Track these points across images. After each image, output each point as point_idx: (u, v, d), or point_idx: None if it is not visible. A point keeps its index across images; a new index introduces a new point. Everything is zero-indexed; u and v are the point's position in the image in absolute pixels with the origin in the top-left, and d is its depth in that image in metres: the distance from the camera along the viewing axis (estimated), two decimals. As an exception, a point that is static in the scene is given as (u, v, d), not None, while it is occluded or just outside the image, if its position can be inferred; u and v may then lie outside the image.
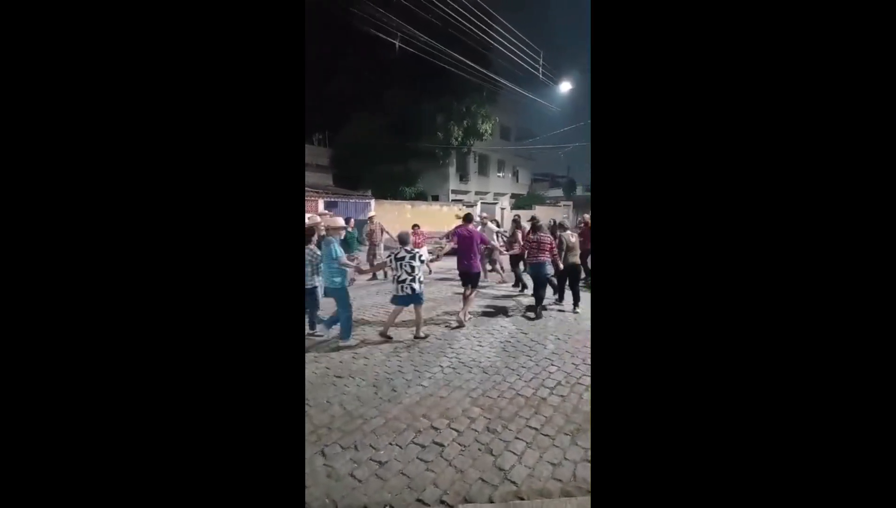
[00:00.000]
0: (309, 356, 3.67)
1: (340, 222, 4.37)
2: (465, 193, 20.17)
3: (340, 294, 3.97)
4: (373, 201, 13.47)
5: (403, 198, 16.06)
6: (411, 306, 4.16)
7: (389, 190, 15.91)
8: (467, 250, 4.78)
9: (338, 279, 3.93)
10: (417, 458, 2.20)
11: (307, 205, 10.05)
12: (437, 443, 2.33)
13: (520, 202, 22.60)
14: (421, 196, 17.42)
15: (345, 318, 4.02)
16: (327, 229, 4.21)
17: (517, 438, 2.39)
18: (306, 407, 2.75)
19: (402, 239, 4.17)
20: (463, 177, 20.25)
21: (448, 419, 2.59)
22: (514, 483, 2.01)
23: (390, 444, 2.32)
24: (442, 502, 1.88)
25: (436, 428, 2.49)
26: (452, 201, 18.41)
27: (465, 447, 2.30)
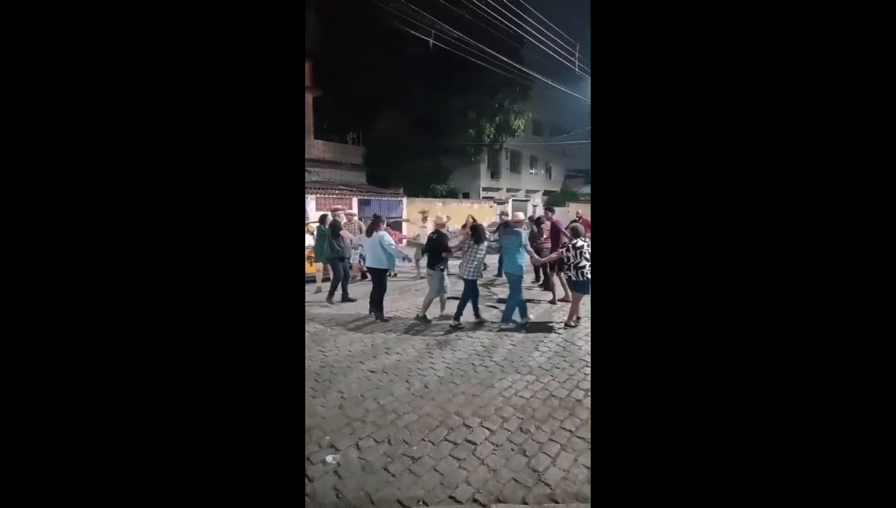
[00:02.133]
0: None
1: (522, 215, 5.06)
2: (497, 190, 19.99)
3: (522, 279, 4.56)
4: (405, 199, 13.61)
5: (434, 196, 16.12)
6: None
7: (421, 188, 16.01)
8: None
9: (521, 265, 4.53)
10: (450, 455, 2.20)
11: (342, 203, 10.28)
12: (469, 441, 2.32)
13: (553, 199, 22.17)
14: (452, 194, 17.42)
15: (521, 299, 4.54)
16: (514, 222, 4.89)
17: (551, 440, 2.34)
18: (341, 400, 2.82)
19: (577, 231, 4.56)
20: (494, 174, 20.05)
21: (480, 418, 2.58)
22: (548, 485, 1.98)
23: (423, 440, 2.33)
24: (475, 500, 1.88)
25: (468, 426, 2.48)
26: (483, 198, 18.30)
27: (497, 446, 2.28)
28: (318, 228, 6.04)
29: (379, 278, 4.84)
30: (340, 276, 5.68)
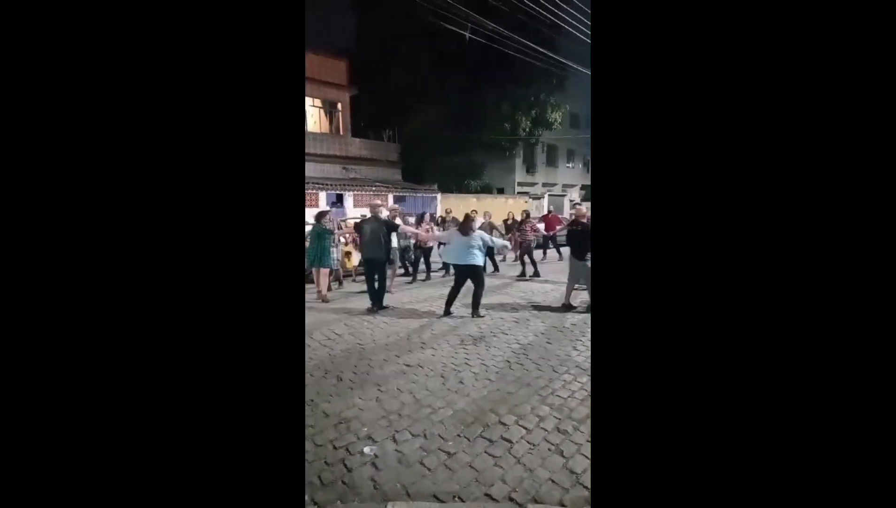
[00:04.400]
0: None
1: None
2: (532, 184, 19.63)
3: None
4: (439, 195, 13.67)
5: (469, 191, 16.07)
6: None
7: (455, 183, 15.99)
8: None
9: None
10: (485, 452, 2.19)
11: (378, 199, 10.48)
12: (505, 439, 2.30)
13: (590, 194, 21.47)
14: (486, 189, 17.29)
15: None
16: None
17: (589, 441, 2.28)
18: (378, 393, 2.87)
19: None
20: (530, 168, 19.68)
21: (516, 416, 2.55)
22: (586, 487, 1.92)
23: (458, 436, 2.34)
24: (510, 499, 1.86)
25: (504, 424, 2.46)
26: (518, 193, 18.03)
27: (533, 445, 2.25)
28: (314, 226, 5.64)
29: (480, 275, 4.84)
30: (386, 278, 5.41)
